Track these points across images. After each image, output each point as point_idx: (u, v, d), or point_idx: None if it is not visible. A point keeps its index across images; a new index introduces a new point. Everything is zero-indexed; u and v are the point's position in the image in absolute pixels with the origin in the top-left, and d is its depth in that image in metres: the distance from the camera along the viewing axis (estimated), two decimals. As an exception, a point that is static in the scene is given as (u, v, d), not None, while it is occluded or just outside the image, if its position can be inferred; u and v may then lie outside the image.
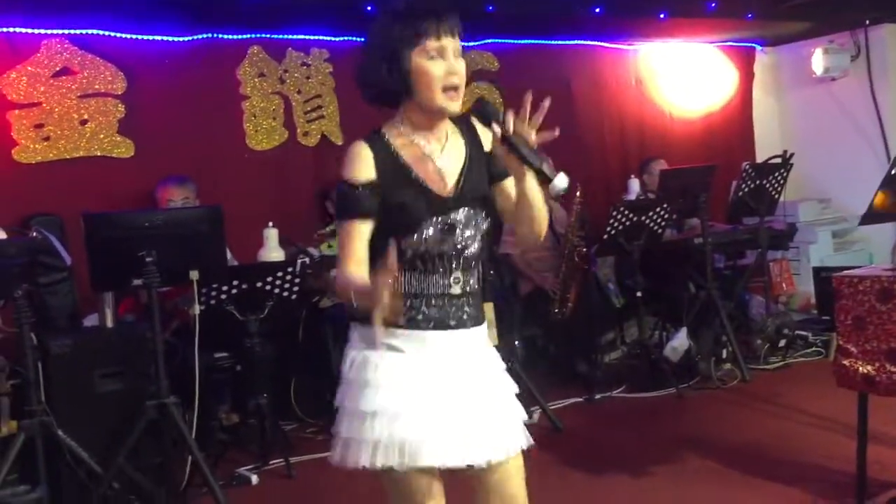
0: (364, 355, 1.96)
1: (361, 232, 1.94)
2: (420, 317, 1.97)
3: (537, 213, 2.00)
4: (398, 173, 1.95)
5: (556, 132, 1.86)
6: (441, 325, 1.98)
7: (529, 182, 1.93)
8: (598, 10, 5.67)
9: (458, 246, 1.98)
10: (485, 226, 2.04)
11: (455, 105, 1.95)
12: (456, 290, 1.99)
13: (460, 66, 1.94)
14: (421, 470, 1.92)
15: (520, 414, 2.07)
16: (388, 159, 1.96)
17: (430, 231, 1.95)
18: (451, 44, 1.92)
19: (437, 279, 1.98)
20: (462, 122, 2.08)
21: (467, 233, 1.99)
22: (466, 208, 1.99)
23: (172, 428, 3.54)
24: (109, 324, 3.85)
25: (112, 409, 3.65)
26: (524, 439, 2.05)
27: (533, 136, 1.85)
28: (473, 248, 2.02)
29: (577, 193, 5.22)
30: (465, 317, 2.01)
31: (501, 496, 2.03)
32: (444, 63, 1.92)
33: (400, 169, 1.96)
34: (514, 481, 2.06)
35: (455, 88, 1.93)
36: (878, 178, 6.65)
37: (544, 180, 1.84)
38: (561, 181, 1.80)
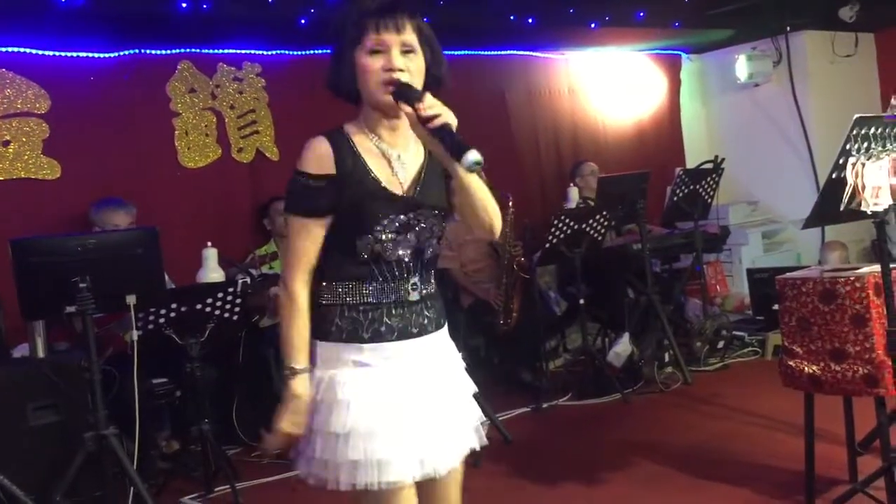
0: (330, 374, 1.92)
1: (313, 233, 1.92)
2: (383, 328, 1.94)
3: (481, 200, 1.96)
4: (356, 170, 1.92)
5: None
6: (404, 334, 1.96)
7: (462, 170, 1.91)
8: (531, 20, 5.72)
9: (415, 248, 1.96)
10: (441, 229, 2.02)
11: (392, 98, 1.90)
12: (414, 296, 1.97)
13: (406, 61, 1.90)
14: (399, 485, 1.90)
15: (476, 415, 2.08)
16: (347, 155, 1.92)
17: (386, 231, 1.92)
18: (395, 39, 1.89)
19: (395, 286, 1.95)
20: None
21: (423, 235, 1.97)
22: (423, 210, 1.97)
23: (112, 460, 3.40)
24: (41, 353, 3.68)
25: (47, 443, 3.50)
26: (477, 439, 2.06)
27: (452, 116, 1.83)
28: (429, 251, 2.00)
29: (510, 203, 5.22)
30: (425, 321, 1.99)
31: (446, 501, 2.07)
32: (382, 58, 1.89)
33: (358, 165, 1.93)
34: (456, 486, 2.09)
35: (393, 83, 1.88)
36: (803, 179, 7.01)
37: (455, 154, 1.79)
38: (472, 154, 1.75)
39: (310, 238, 1.92)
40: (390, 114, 1.95)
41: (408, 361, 1.96)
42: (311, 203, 1.90)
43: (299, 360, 1.90)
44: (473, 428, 2.06)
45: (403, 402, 1.92)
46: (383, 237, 1.92)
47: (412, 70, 1.91)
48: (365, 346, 1.92)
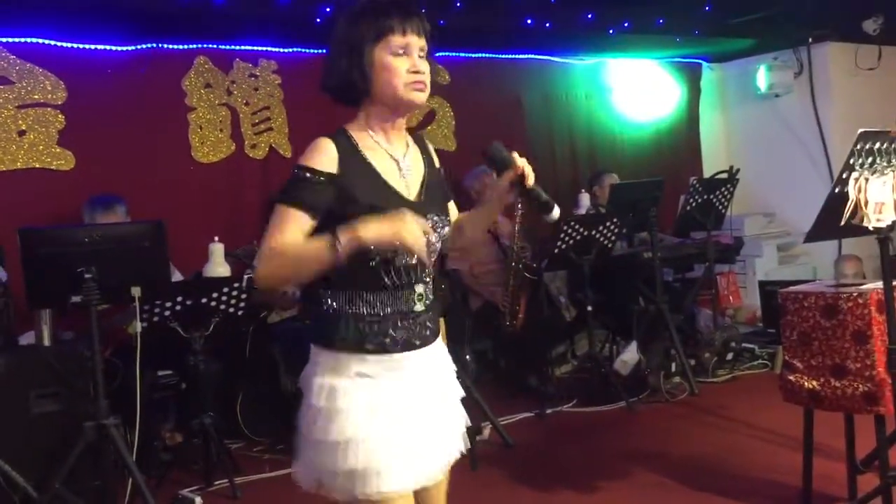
0: (332, 383, 1.89)
1: (301, 222, 1.83)
2: (388, 340, 1.91)
3: (480, 235, 2.20)
4: (365, 173, 1.90)
5: None
6: (408, 345, 1.94)
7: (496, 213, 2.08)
8: (548, 24, 5.70)
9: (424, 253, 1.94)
10: (446, 234, 2.02)
11: (420, 96, 1.91)
12: (419, 306, 1.95)
13: (424, 66, 1.91)
14: (397, 495, 1.89)
15: (462, 420, 2.08)
16: (353, 158, 1.90)
17: None
18: (417, 42, 1.90)
19: (402, 295, 1.92)
20: (417, 137, 2.08)
21: (432, 240, 1.95)
22: (430, 214, 1.96)
23: (112, 450, 3.43)
24: (47, 342, 3.72)
25: (49, 431, 3.53)
26: (462, 444, 2.05)
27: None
28: (434, 257, 2.00)
29: (519, 204, 5.21)
30: (427, 333, 1.99)
31: None
32: (407, 60, 1.89)
33: (367, 169, 1.91)
34: (443, 490, 2.08)
35: (418, 84, 1.90)
36: (821, 193, 6.78)
37: (542, 211, 1.94)
38: (556, 212, 1.95)
39: (296, 225, 1.82)
40: (403, 113, 1.96)
41: (410, 373, 1.95)
42: (309, 196, 1.84)
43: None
44: (460, 433, 2.05)
45: (404, 412, 1.91)
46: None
47: (427, 73, 1.92)
48: (369, 357, 1.90)
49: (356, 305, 1.90)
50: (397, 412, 1.90)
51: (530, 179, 1.93)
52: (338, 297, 1.92)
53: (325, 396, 1.89)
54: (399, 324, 1.92)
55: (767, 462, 3.87)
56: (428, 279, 1.98)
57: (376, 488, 1.84)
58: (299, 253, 1.81)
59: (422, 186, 1.98)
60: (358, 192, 1.86)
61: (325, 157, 1.87)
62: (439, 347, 2.05)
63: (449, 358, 2.10)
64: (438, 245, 1.99)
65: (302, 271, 1.87)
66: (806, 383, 2.93)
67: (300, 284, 3.40)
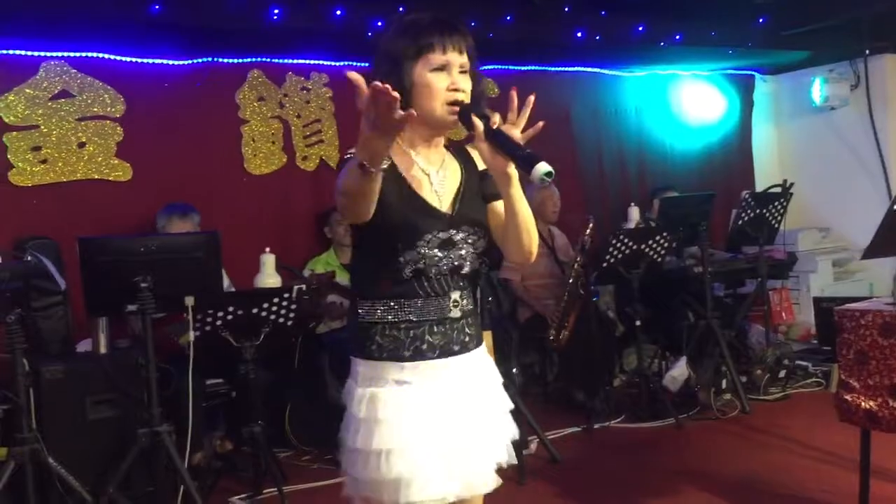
0: (371, 392, 1.92)
1: None
2: (425, 346, 1.94)
3: (525, 223, 1.96)
4: (398, 185, 1.93)
5: (541, 124, 1.84)
6: (446, 351, 1.96)
7: (515, 190, 1.91)
8: (597, 37, 5.68)
9: (455, 263, 1.96)
10: (480, 246, 2.02)
11: (456, 119, 1.92)
12: (455, 313, 1.98)
13: (465, 83, 1.92)
14: (440, 502, 1.91)
15: (510, 431, 2.07)
16: (388, 169, 1.88)
17: (429, 246, 1.93)
18: (457, 59, 1.91)
19: (436, 302, 1.95)
20: (458, 149, 2.08)
21: (463, 250, 1.98)
22: (463, 226, 1.98)
23: (164, 456, 3.50)
24: (103, 349, 3.82)
25: (104, 437, 3.63)
26: (508, 456, 2.04)
27: (518, 133, 1.83)
28: (468, 267, 2.00)
29: (591, 224, 5.20)
30: (466, 339, 2.00)
31: None
32: (447, 77, 1.90)
33: (399, 181, 1.93)
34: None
35: (457, 104, 1.90)
36: (878, 207, 6.70)
37: (526, 167, 1.76)
38: (543, 166, 1.72)
39: None
40: (440, 132, 1.97)
41: (449, 379, 1.96)
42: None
43: None
44: (505, 444, 2.05)
45: (444, 420, 1.93)
46: (425, 252, 1.93)
47: (468, 91, 1.93)
48: (406, 364, 1.92)
49: (392, 315, 1.94)
50: (437, 419, 1.91)
51: (496, 118, 1.81)
52: (373, 309, 1.95)
53: (365, 406, 1.92)
54: (435, 329, 1.95)
55: (822, 483, 3.78)
56: (464, 287, 2.00)
57: (417, 497, 1.87)
58: (344, 179, 1.77)
59: (456, 197, 1.99)
60: (390, 203, 1.88)
61: None
62: (481, 355, 2.06)
63: (494, 367, 2.10)
64: (473, 256, 1.99)
65: (356, 192, 1.76)
66: (863, 403, 2.86)
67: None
